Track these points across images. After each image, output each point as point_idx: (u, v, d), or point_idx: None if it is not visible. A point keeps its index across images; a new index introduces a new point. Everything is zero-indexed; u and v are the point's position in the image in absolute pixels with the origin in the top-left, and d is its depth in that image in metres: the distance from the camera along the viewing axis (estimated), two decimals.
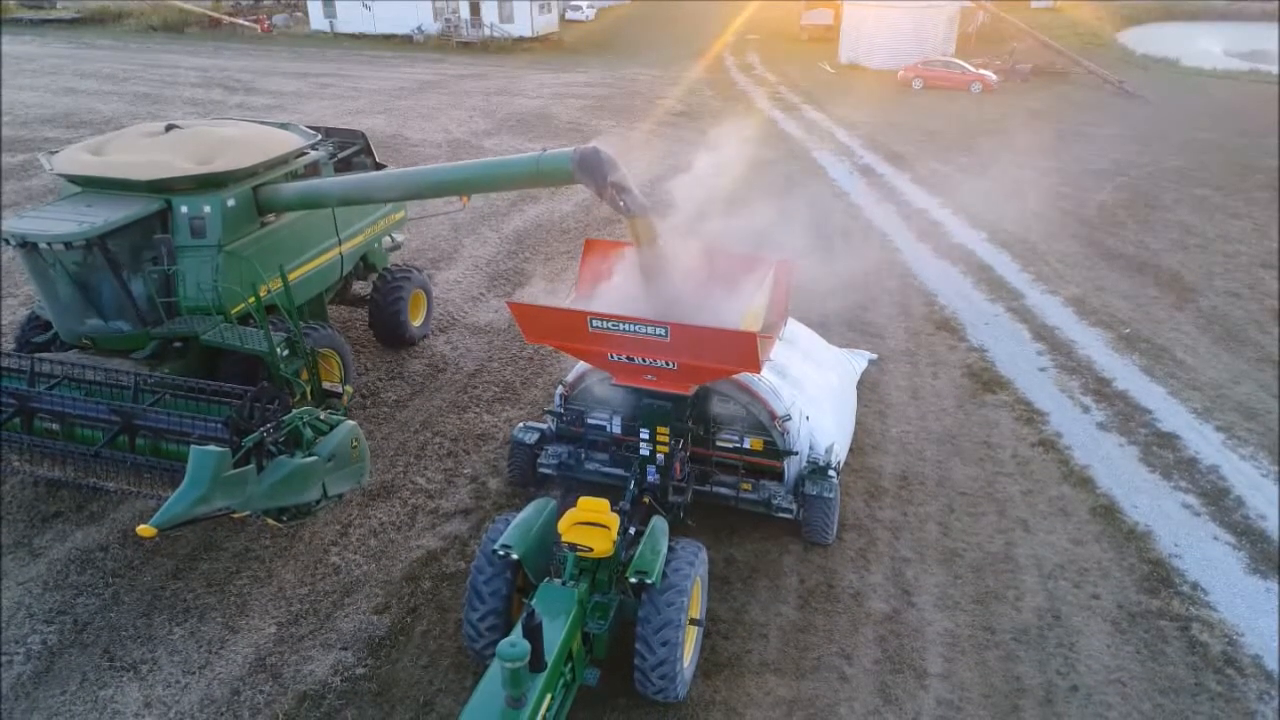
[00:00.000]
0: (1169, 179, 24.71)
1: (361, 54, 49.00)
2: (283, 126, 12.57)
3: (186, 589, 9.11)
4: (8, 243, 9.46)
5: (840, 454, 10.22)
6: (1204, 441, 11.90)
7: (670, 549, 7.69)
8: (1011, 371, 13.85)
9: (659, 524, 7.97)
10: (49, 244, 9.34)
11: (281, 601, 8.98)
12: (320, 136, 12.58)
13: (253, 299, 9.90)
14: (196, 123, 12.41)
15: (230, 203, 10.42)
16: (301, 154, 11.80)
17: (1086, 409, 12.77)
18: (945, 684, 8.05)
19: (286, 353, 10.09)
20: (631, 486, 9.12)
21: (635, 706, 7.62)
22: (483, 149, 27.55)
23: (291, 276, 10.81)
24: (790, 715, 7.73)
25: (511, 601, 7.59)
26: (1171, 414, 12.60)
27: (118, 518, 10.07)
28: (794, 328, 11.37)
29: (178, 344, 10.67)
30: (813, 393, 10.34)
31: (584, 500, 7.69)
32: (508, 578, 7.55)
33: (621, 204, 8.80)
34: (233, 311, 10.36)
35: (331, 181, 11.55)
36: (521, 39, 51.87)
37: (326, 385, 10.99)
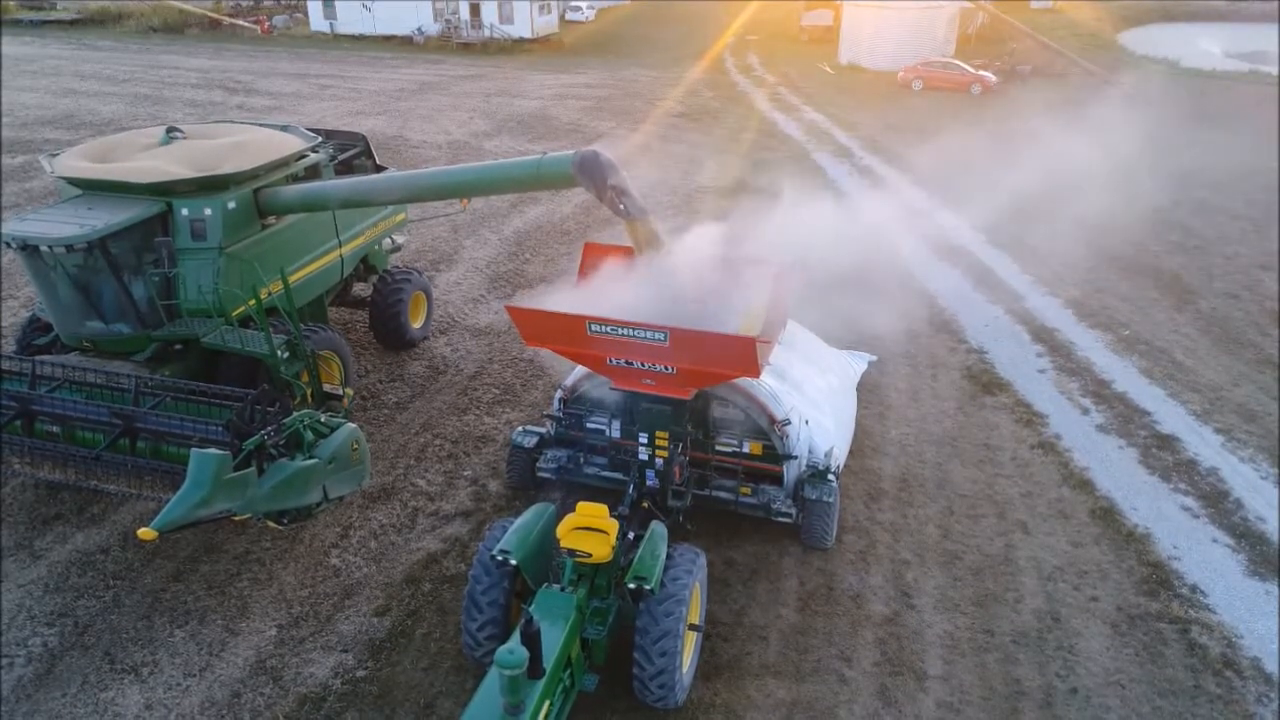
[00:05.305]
0: (1169, 180, 24.72)
1: (361, 55, 49.01)
2: (283, 129, 12.59)
3: (187, 591, 9.13)
4: (9, 245, 9.47)
5: (840, 457, 10.24)
6: (1203, 444, 11.92)
7: (669, 555, 7.69)
8: (1011, 373, 13.87)
9: (658, 529, 7.98)
10: (50, 247, 9.35)
11: (282, 604, 8.99)
12: (321, 139, 12.60)
13: (253, 301, 9.92)
14: (197, 126, 12.43)
15: (231, 205, 10.43)
16: (302, 156, 11.81)
17: (1086, 411, 12.79)
18: (945, 686, 8.07)
19: (287, 355, 10.11)
20: (630, 491, 9.14)
21: (634, 710, 7.62)
22: (483, 150, 27.57)
23: (292, 279, 10.83)
24: (790, 718, 7.75)
25: (510, 608, 7.60)
26: (1171, 416, 12.62)
27: (118, 520, 10.09)
28: (793, 329, 11.37)
29: (178, 346, 10.69)
30: (812, 396, 10.35)
31: (583, 505, 7.70)
32: (505, 586, 7.56)
33: (621, 207, 8.85)
34: (233, 314, 10.38)
35: (332, 184, 11.57)
36: (521, 40, 51.87)
37: (327, 387, 11.00)
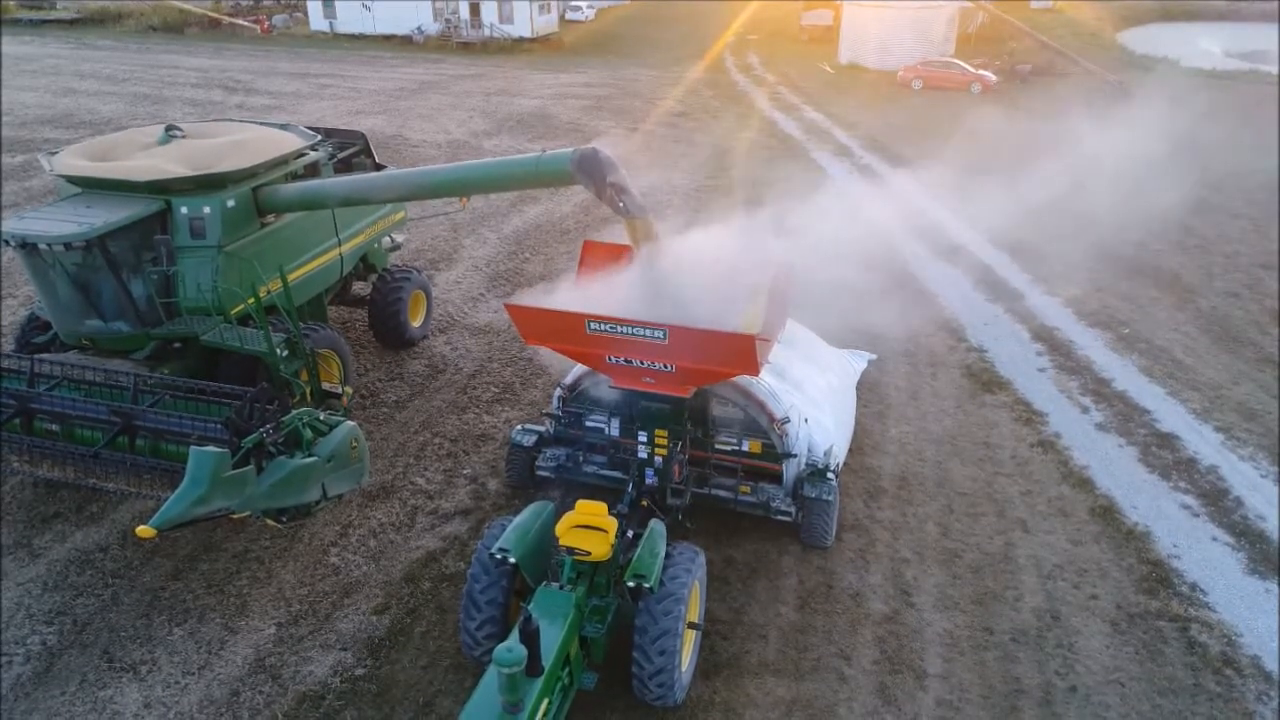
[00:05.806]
0: (1168, 179, 24.66)
1: (361, 54, 48.99)
2: (282, 127, 12.57)
3: (186, 590, 9.12)
4: (8, 243, 9.46)
5: (839, 455, 10.23)
6: (1203, 442, 11.91)
7: (668, 554, 7.67)
8: (1011, 372, 13.86)
9: (657, 527, 7.97)
10: (49, 244, 9.34)
11: (281, 602, 8.99)
12: (320, 137, 12.58)
13: (252, 299, 9.91)
14: (196, 124, 12.42)
15: (230, 203, 10.42)
16: (301, 155, 11.80)
17: (1086, 409, 12.78)
18: (944, 684, 8.06)
19: (286, 353, 10.10)
20: (630, 489, 9.12)
21: (633, 708, 7.62)
22: (483, 149, 27.55)
23: (291, 277, 10.82)
24: (789, 716, 7.74)
25: (509, 606, 7.59)
26: (1171, 414, 12.61)
27: (117, 518, 10.08)
28: (793, 328, 11.35)
29: (177, 345, 10.68)
30: (812, 394, 10.34)
31: (582, 503, 7.69)
32: (504, 585, 7.55)
33: (620, 205, 8.82)
34: (232, 312, 10.37)
35: (331, 182, 11.56)
36: (521, 39, 51.85)
37: (326, 386, 10.99)
